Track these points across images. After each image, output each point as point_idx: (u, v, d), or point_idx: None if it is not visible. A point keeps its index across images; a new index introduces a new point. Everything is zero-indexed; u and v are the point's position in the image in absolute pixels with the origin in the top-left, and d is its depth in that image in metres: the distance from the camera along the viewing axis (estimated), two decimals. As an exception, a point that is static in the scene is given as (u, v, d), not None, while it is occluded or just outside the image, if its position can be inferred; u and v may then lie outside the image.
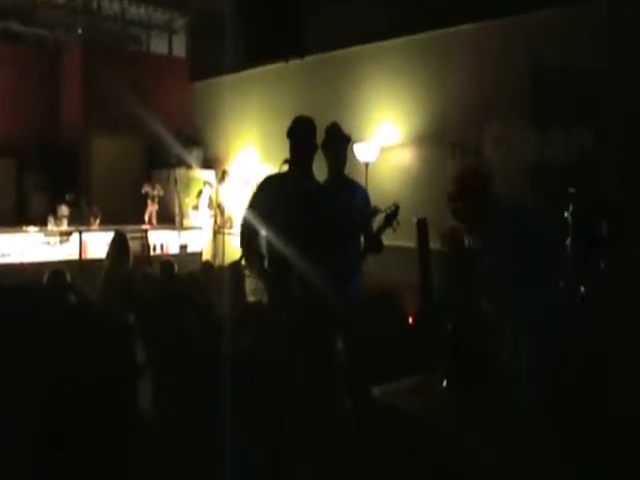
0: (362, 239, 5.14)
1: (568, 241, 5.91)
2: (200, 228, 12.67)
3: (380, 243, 5.03)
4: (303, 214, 4.43)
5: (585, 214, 5.98)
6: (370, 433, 5.00)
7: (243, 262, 5.01)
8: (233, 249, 10.92)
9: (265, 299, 4.84)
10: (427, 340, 5.64)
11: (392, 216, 4.95)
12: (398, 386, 5.23)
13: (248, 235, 4.60)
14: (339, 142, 5.19)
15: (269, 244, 4.53)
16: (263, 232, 4.53)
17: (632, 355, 4.78)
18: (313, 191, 4.65)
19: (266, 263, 4.58)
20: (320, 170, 5.14)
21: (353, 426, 5.12)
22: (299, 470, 4.60)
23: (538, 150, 7.95)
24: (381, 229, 5.00)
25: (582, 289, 5.71)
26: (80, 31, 13.89)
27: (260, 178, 4.78)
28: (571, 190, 6.21)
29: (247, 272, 6.38)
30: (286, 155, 4.64)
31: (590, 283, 5.69)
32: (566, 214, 5.94)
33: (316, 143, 4.64)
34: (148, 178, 13.23)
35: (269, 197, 4.58)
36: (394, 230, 4.93)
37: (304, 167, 4.63)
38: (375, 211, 5.04)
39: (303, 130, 4.64)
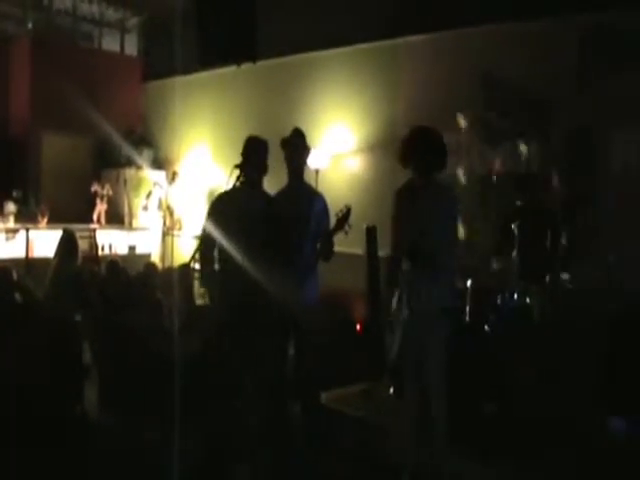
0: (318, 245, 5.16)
1: (514, 253, 6.02)
2: (149, 229, 12.57)
3: (331, 249, 5.00)
4: (254, 226, 4.61)
5: (532, 226, 6.06)
6: (317, 436, 5.05)
7: (192, 265, 5.05)
8: (182, 251, 10.87)
9: (212, 303, 4.91)
10: (374, 347, 5.71)
11: (343, 219, 4.90)
12: (346, 392, 5.30)
13: (206, 245, 4.76)
14: (300, 149, 5.22)
15: (223, 254, 4.67)
16: (219, 241, 4.68)
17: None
18: (263, 205, 4.84)
19: (217, 269, 4.70)
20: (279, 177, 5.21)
21: (301, 430, 5.16)
22: (247, 470, 4.64)
23: (487, 160, 8.09)
24: (332, 232, 4.95)
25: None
26: (30, 25, 13.63)
27: (213, 191, 4.91)
28: (518, 202, 6.32)
29: (196, 275, 6.41)
30: (237, 157, 4.77)
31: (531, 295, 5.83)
32: (513, 226, 6.02)
33: (266, 163, 4.85)
34: (97, 177, 13.06)
35: (223, 213, 4.75)
36: (346, 233, 4.89)
37: (255, 183, 4.85)
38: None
39: (255, 150, 4.82)
